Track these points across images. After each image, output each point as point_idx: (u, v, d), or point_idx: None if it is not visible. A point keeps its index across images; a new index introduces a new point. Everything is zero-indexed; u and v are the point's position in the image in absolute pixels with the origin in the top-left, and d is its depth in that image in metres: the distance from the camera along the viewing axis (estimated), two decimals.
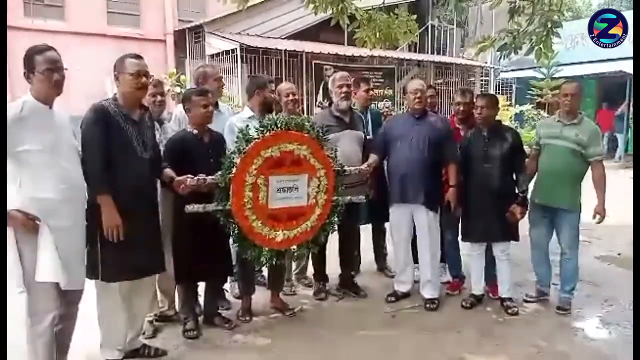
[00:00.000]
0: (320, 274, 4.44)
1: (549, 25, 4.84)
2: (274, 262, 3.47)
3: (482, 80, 15.66)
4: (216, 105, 4.05)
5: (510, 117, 13.54)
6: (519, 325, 3.83)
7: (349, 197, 3.71)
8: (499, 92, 15.38)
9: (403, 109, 7.65)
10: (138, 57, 3.02)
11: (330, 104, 4.64)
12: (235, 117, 3.94)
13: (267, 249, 3.35)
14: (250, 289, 3.96)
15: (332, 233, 3.83)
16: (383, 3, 6.17)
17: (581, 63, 14.74)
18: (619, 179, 10.49)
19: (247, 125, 3.44)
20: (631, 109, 14.80)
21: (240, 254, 3.57)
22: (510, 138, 3.99)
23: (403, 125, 4.17)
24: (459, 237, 4.32)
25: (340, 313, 4.11)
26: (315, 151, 3.39)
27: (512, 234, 4.03)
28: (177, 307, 3.81)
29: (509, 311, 3.98)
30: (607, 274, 5.05)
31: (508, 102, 13.89)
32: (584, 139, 3.86)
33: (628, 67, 13.82)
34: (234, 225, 3.24)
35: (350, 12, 5.43)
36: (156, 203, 3.16)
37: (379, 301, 4.25)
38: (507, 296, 4.07)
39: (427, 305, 4.10)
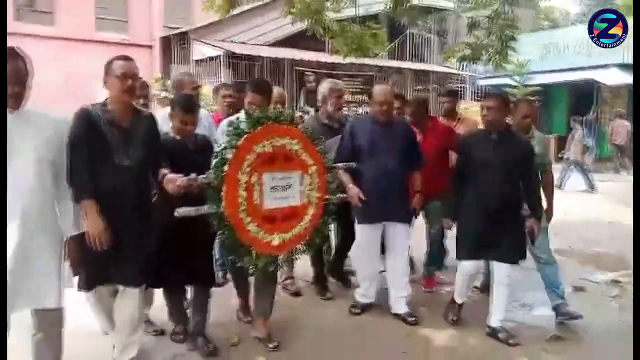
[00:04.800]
0: (320, 276, 4.45)
1: (505, 39, 5.35)
2: (270, 269, 3.19)
3: (458, 88, 16.22)
4: None
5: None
6: None
7: (339, 195, 3.50)
8: (475, 99, 15.95)
9: None
10: (127, 58, 2.85)
11: (317, 110, 4.55)
12: (229, 119, 3.65)
13: (263, 254, 3.06)
14: (246, 293, 3.73)
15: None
16: (356, 15, 6.63)
17: (553, 71, 15.35)
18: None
19: (238, 118, 3.27)
20: (599, 116, 15.52)
21: (234, 262, 3.25)
22: (523, 147, 3.63)
23: (369, 134, 3.88)
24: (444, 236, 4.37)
25: (343, 328, 3.88)
26: (306, 145, 3.21)
27: (523, 252, 3.64)
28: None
29: (510, 341, 3.54)
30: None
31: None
32: (538, 151, 3.84)
33: (597, 75, 14.51)
34: (227, 230, 2.94)
35: (325, 24, 5.89)
36: (140, 212, 2.89)
37: (385, 315, 4.04)
38: (497, 326, 3.63)
39: (410, 320, 3.87)
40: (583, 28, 18.59)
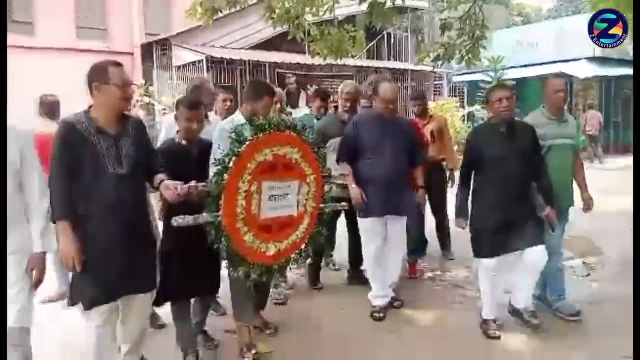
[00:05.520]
0: (315, 277, 4.67)
1: (476, 38, 5.67)
2: (263, 279, 3.13)
3: (435, 84, 16.62)
4: (205, 116, 3.81)
5: (462, 117, 14.47)
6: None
7: (333, 204, 3.44)
8: (452, 95, 16.37)
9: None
10: (119, 64, 2.74)
11: (336, 109, 4.96)
12: (225, 121, 3.57)
13: (257, 264, 2.98)
14: (248, 318, 3.42)
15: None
16: (335, 18, 6.86)
17: (526, 66, 15.80)
18: None
19: (244, 124, 3.19)
20: (572, 107, 16.01)
21: (233, 278, 3.14)
22: (531, 135, 3.56)
23: (373, 130, 3.98)
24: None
25: (331, 311, 4.16)
26: (306, 154, 3.14)
27: (542, 234, 3.58)
28: None
29: (534, 322, 3.58)
30: None
31: (458, 103, 14.86)
32: (574, 132, 3.86)
33: (568, 68, 14.98)
34: (224, 240, 2.82)
35: (304, 28, 6.13)
36: (142, 218, 2.83)
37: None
38: (521, 307, 3.66)
39: (396, 303, 4.13)
40: (554, 23, 19.31)
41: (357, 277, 4.68)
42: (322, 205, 3.30)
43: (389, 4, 5.63)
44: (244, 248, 2.90)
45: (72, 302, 2.73)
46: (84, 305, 2.67)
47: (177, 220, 2.67)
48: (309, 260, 4.45)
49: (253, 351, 3.33)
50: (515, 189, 3.48)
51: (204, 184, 2.79)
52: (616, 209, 7.32)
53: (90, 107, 2.69)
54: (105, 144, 2.64)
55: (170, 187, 2.68)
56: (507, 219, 3.47)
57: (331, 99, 5.61)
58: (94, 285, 2.62)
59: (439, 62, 5.84)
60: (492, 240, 3.52)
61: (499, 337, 3.56)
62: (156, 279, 2.90)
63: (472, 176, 3.68)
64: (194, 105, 3.23)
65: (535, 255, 3.48)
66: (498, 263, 3.59)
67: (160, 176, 2.79)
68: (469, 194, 3.69)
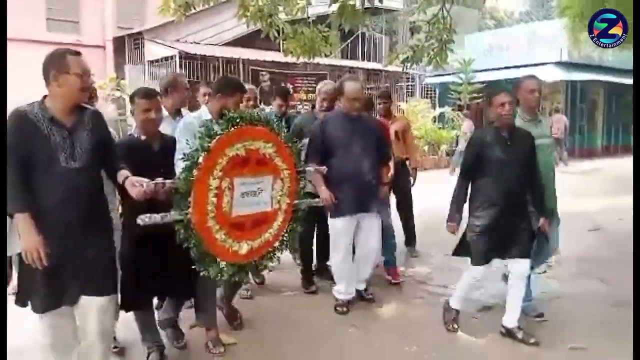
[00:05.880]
0: (308, 280, 4.60)
1: (444, 42, 5.81)
2: (236, 279, 3.05)
3: (408, 85, 16.86)
4: (178, 112, 3.93)
5: (433, 118, 14.71)
6: None
7: (307, 200, 3.45)
8: (423, 96, 16.62)
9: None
10: (78, 53, 2.59)
11: (313, 107, 5.01)
12: (192, 116, 3.50)
13: (229, 264, 2.88)
14: (214, 321, 3.44)
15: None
16: (308, 17, 6.91)
17: (496, 69, 16.14)
18: None
19: (212, 120, 3.12)
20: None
21: (201, 280, 3.05)
22: (529, 143, 3.53)
23: (341, 129, 3.99)
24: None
25: (299, 306, 4.21)
26: (280, 149, 3.06)
27: (529, 250, 3.56)
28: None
29: (531, 341, 3.47)
30: None
31: (429, 105, 15.10)
32: (549, 131, 3.89)
33: (536, 72, 15.33)
34: (194, 240, 2.71)
35: (278, 27, 6.17)
36: (97, 215, 2.64)
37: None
38: (513, 327, 3.56)
39: (368, 297, 4.23)
40: (525, 27, 19.71)
41: (324, 271, 4.74)
42: (296, 201, 3.24)
43: (358, 5, 5.72)
44: (216, 247, 2.80)
45: (22, 304, 2.56)
46: (36, 309, 2.52)
47: (144, 220, 2.53)
48: (299, 265, 4.66)
49: (221, 349, 3.33)
50: (515, 195, 3.46)
51: (171, 180, 2.67)
52: (578, 210, 7.59)
53: (45, 97, 2.55)
54: (59, 136, 2.49)
55: (136, 184, 2.52)
56: (504, 225, 3.45)
57: (306, 97, 5.69)
58: (47, 286, 2.47)
59: (408, 64, 5.96)
60: (488, 245, 3.49)
61: (456, 330, 3.68)
62: (115, 283, 2.71)
63: (470, 181, 3.62)
64: (148, 95, 3.10)
65: (521, 266, 3.51)
66: (486, 270, 3.60)
67: (124, 172, 2.64)
68: (464, 200, 3.64)
